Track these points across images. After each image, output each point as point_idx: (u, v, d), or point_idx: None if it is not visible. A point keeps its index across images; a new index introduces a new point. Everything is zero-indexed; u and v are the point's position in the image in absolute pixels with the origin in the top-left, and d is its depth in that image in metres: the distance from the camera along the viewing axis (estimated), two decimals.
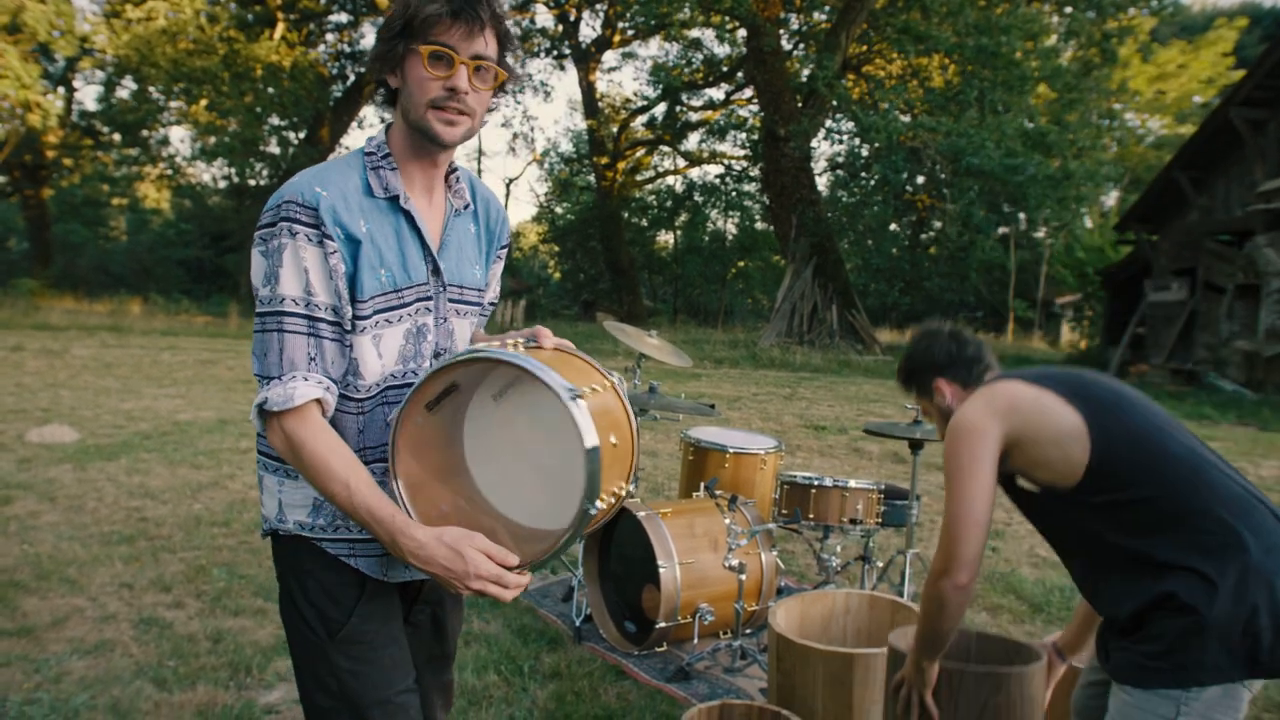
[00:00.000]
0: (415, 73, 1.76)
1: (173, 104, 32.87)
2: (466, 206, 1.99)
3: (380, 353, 1.82)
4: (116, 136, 34.82)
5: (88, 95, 53.09)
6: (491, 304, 2.14)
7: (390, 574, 1.90)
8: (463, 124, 1.81)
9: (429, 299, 1.88)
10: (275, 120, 33.60)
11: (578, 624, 4.27)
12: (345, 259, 1.74)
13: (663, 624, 3.90)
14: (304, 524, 1.87)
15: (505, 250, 2.13)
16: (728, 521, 4.01)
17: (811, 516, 4.35)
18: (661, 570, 3.87)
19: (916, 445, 4.50)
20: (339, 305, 1.75)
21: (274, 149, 34.98)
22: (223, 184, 38.51)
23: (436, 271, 1.88)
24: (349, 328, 1.78)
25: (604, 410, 1.75)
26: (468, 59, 1.76)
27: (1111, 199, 36.29)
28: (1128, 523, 1.97)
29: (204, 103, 30.37)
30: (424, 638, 2.10)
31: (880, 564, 4.90)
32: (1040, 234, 32.30)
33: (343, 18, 35.64)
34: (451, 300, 1.92)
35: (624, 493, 1.84)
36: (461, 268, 1.95)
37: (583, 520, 1.64)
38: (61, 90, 33.09)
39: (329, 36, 36.09)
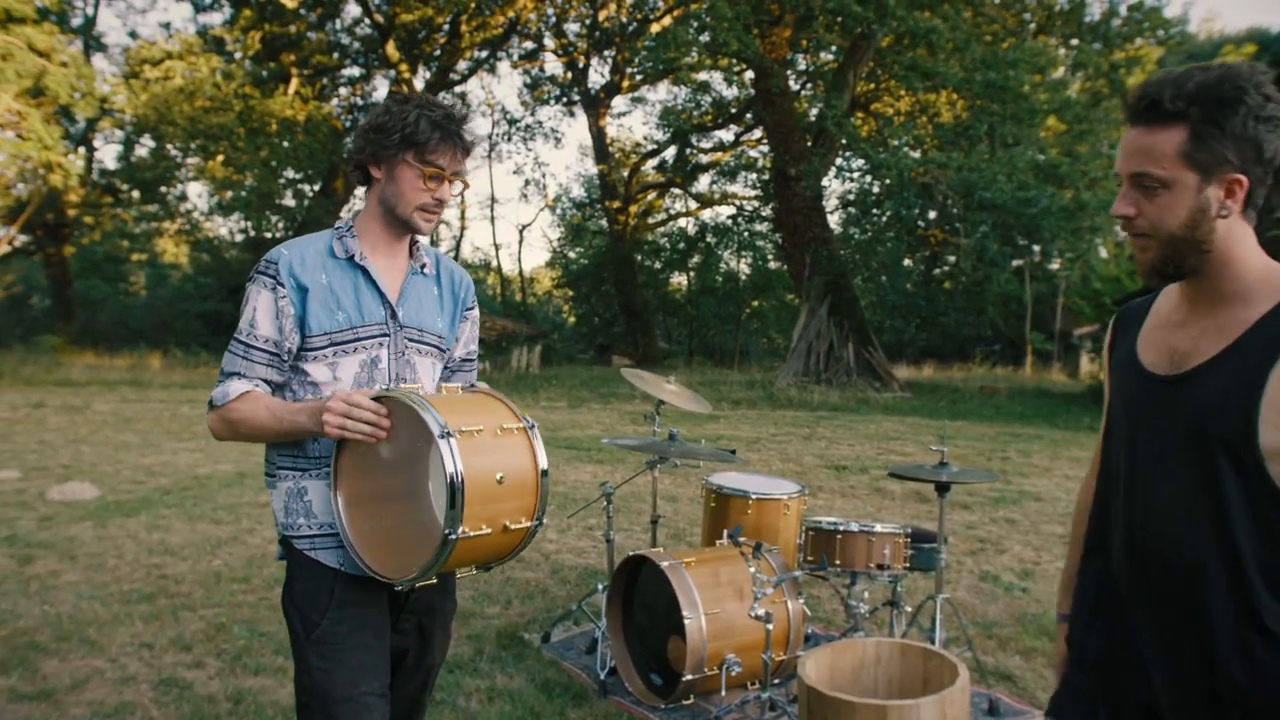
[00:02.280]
0: (409, 181, 2.24)
1: (190, 160, 33.40)
2: (424, 268, 2.42)
3: (337, 376, 2.25)
4: (136, 194, 35.31)
5: (108, 154, 54.07)
6: (466, 359, 2.59)
7: (344, 565, 2.22)
8: (437, 218, 2.33)
9: (385, 335, 2.30)
10: (290, 174, 34.05)
11: (602, 677, 4.20)
12: (294, 302, 2.21)
13: (689, 676, 3.83)
14: (283, 524, 2.29)
15: (471, 311, 2.57)
16: (753, 570, 3.95)
17: (838, 563, 4.27)
18: (687, 621, 3.81)
19: (943, 488, 4.44)
20: (280, 340, 2.22)
21: (289, 202, 35.43)
22: (239, 237, 38.97)
23: (394, 315, 2.32)
24: (285, 356, 2.24)
25: (493, 448, 2.06)
26: (450, 175, 2.26)
27: None
28: None
29: (220, 158, 30.79)
30: (409, 646, 2.43)
31: (910, 609, 4.81)
32: (1055, 266, 32.14)
33: (355, 71, 36.20)
34: (411, 340, 2.35)
35: (523, 527, 2.11)
36: (421, 315, 2.38)
37: (443, 546, 1.95)
38: (82, 150, 33.66)
39: (342, 90, 36.62)
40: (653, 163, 37.48)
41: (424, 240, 2.46)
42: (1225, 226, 1.59)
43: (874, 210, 30.80)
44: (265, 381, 2.26)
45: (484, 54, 35.51)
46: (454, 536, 1.94)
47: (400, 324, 2.32)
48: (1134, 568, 1.76)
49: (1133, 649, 1.75)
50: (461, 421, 2.00)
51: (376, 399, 2.07)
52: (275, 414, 2.17)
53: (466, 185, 2.37)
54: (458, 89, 35.48)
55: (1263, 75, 1.56)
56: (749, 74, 25.32)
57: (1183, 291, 1.71)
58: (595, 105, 36.37)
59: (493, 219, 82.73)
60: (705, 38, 22.01)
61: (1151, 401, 1.71)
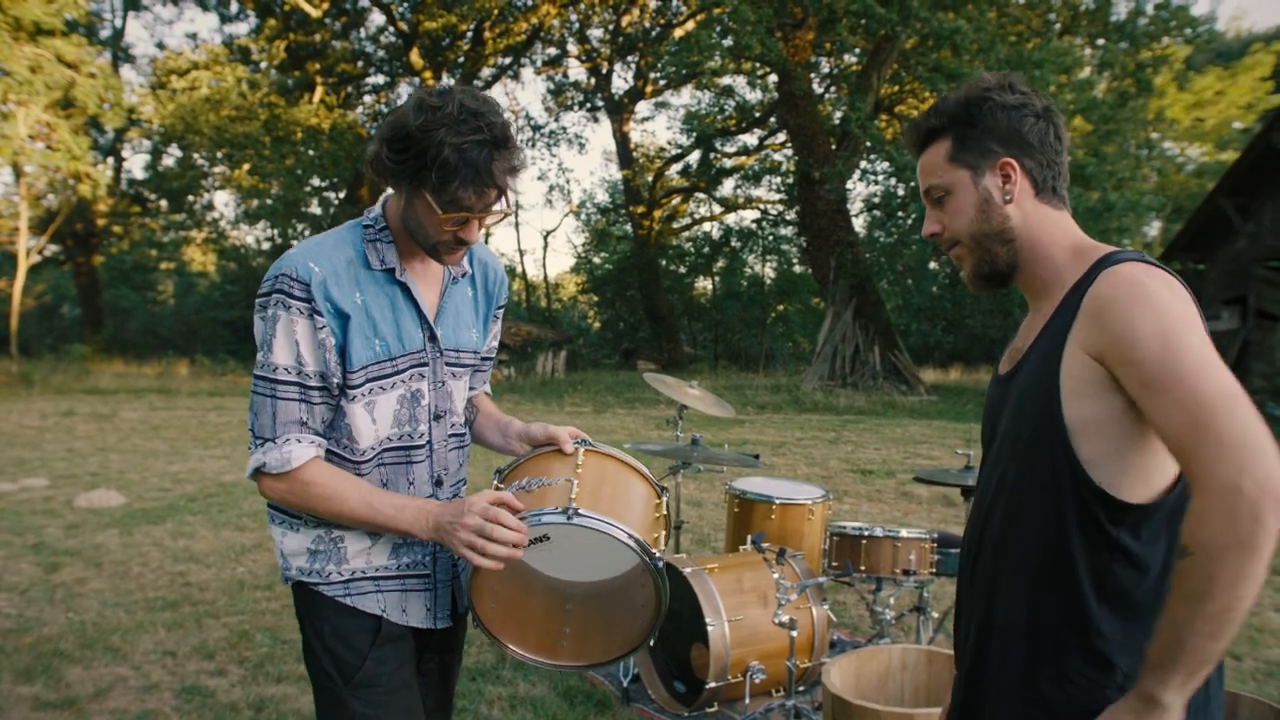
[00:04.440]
0: (429, 216, 1.84)
1: (216, 169, 33.70)
2: (464, 274, 2.09)
3: (374, 419, 1.93)
4: (163, 203, 35.69)
5: (135, 164, 54.63)
6: (486, 357, 2.27)
7: (387, 611, 2.00)
8: (463, 252, 1.96)
9: (424, 365, 1.98)
10: (316, 181, 34.28)
11: (625, 685, 4.16)
12: (334, 332, 1.86)
13: (713, 684, 3.78)
14: (304, 569, 1.98)
15: (503, 308, 2.26)
16: (776, 576, 3.90)
17: (863, 568, 4.22)
18: (710, 628, 3.76)
19: (969, 491, 4.37)
20: (327, 373, 1.87)
21: (315, 209, 35.67)
22: (266, 245, 39.25)
23: (433, 338, 1.99)
24: (336, 393, 1.90)
25: (652, 517, 1.95)
26: (480, 213, 1.85)
27: (1154, 229, 35.78)
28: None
29: (246, 167, 31.04)
30: (432, 686, 2.19)
31: (936, 615, 4.74)
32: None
33: (379, 79, 36.40)
34: (449, 364, 2.04)
35: (663, 510, 2.01)
36: (459, 333, 2.06)
37: (657, 570, 1.84)
38: (110, 160, 34.05)
39: (366, 98, 36.84)
40: (677, 167, 37.42)
41: None
42: (1019, 212, 1.63)
43: (899, 213, 30.68)
44: (322, 438, 1.93)
45: (507, 61, 35.64)
46: (661, 562, 1.85)
47: (440, 348, 2.01)
48: (963, 579, 1.76)
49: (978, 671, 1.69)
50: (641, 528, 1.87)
51: (565, 524, 1.81)
52: (370, 503, 1.87)
53: (506, 214, 1.90)
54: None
55: (1013, 78, 1.68)
56: (772, 77, 25.24)
57: (1023, 291, 1.72)
58: (619, 110, 36.39)
59: (517, 225, 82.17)
60: (728, 41, 21.95)
61: (998, 403, 1.71)
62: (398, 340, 1.93)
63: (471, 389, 2.23)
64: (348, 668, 1.94)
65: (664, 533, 1.96)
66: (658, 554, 1.83)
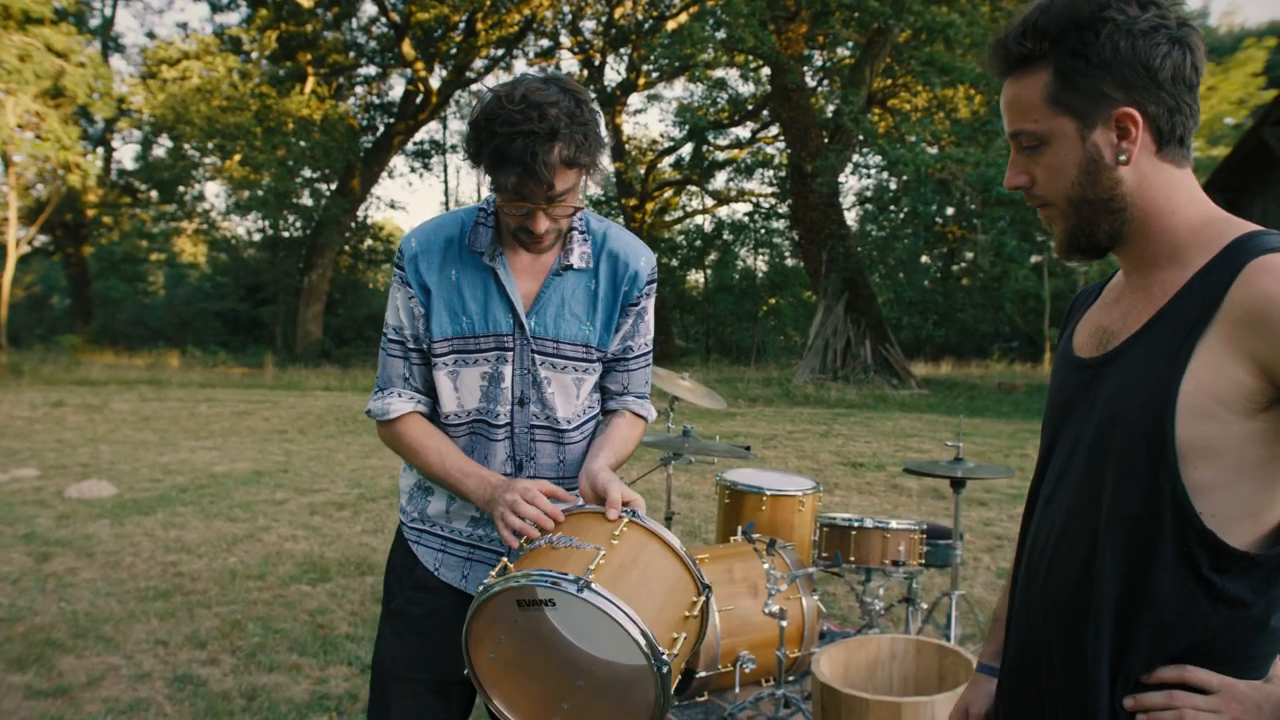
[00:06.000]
0: (501, 205, 1.94)
1: (207, 160, 33.49)
2: (570, 266, 2.05)
3: (457, 388, 2.06)
4: (154, 194, 35.49)
5: (125, 154, 54.54)
6: (621, 357, 2.18)
7: (441, 571, 2.13)
8: (547, 240, 1.97)
9: (508, 349, 2.04)
10: (307, 173, 34.11)
11: None
12: (420, 303, 2.03)
13: (703, 673, 3.80)
14: (403, 507, 2.21)
15: (637, 305, 2.14)
16: (766, 566, 3.92)
17: (853, 559, 4.24)
18: None
19: (958, 483, 4.40)
20: (419, 336, 2.05)
21: (306, 201, 35.47)
22: (257, 236, 39.08)
23: (522, 326, 2.03)
24: (429, 359, 2.06)
25: (670, 609, 1.74)
26: (543, 204, 1.86)
27: None
28: None
29: (238, 158, 30.91)
30: None
31: (925, 606, 4.77)
32: (1074, 264, 31.94)
33: (371, 70, 36.24)
34: (543, 354, 2.05)
35: (697, 611, 1.79)
36: (560, 324, 2.06)
37: (660, 674, 1.60)
38: (100, 150, 33.89)
39: (358, 89, 36.65)
40: (669, 160, 37.41)
41: (591, 217, 2.13)
42: (1134, 175, 1.28)
43: (891, 206, 30.71)
44: (424, 395, 2.10)
45: (500, 52, 35.52)
46: (668, 667, 1.60)
47: (529, 336, 2.03)
48: (1021, 603, 1.48)
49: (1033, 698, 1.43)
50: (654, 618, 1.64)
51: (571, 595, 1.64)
52: (445, 465, 2.01)
53: (580, 207, 1.95)
54: (473, 87, 35.54)
55: None
56: (765, 70, 25.22)
57: (1121, 262, 1.41)
58: (611, 103, 36.32)
59: None
60: (721, 34, 21.93)
61: (1076, 391, 1.40)
62: (483, 320, 2.03)
63: (611, 392, 2.22)
64: (391, 596, 2.19)
65: (688, 636, 1.72)
66: (667, 655, 1.60)
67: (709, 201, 39.30)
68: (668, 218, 40.17)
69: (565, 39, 35.42)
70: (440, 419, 2.10)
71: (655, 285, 2.18)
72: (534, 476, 2.08)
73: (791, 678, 4.04)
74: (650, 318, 2.20)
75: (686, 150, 35.36)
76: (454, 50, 34.52)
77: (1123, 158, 1.27)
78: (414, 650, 2.10)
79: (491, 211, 2.04)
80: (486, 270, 2.02)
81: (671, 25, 28.36)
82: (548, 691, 1.83)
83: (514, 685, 1.80)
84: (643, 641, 1.57)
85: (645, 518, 1.84)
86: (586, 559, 1.65)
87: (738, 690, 3.93)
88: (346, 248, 36.63)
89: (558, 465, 2.13)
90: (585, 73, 35.81)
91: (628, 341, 2.17)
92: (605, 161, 1.94)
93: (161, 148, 34.20)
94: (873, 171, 33.65)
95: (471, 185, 42.62)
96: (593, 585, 1.58)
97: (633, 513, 1.83)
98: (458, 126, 37.23)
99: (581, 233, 2.07)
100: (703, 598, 1.81)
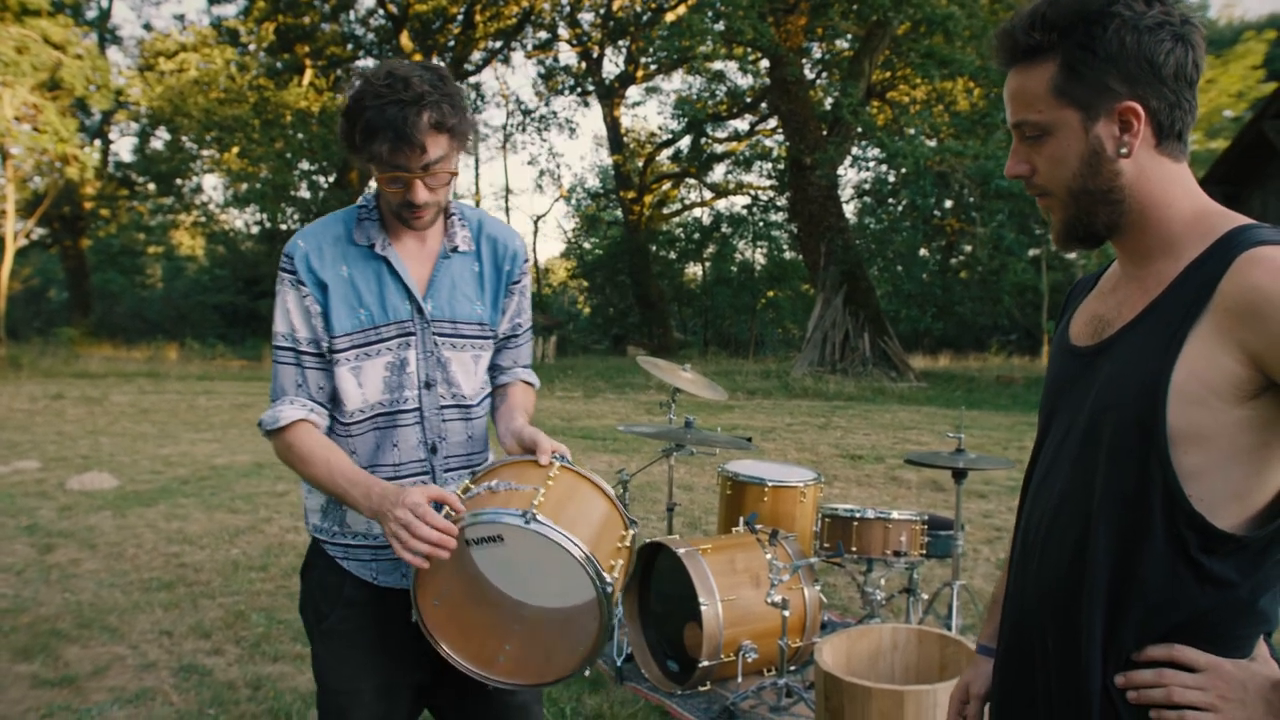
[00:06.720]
0: (379, 183, 1.97)
1: (205, 153, 33.50)
2: (455, 249, 2.14)
3: (360, 383, 2.05)
4: (151, 186, 35.50)
5: (123, 147, 54.28)
6: (512, 335, 2.31)
7: (380, 578, 2.11)
8: (428, 213, 2.00)
9: (410, 335, 2.08)
10: (305, 165, 34.12)
11: (619, 664, 4.21)
12: (317, 300, 2.02)
13: (706, 662, 3.83)
14: (317, 526, 2.15)
15: (519, 284, 2.26)
16: (769, 556, 3.95)
17: (854, 550, 4.27)
18: (703, 608, 3.81)
19: (960, 474, 4.42)
20: (316, 338, 2.03)
21: (304, 193, 35.51)
22: (255, 229, 39.07)
23: (420, 310, 2.08)
24: (329, 358, 2.04)
25: (602, 526, 1.90)
26: (419, 171, 1.91)
27: None
28: None
29: (235, 150, 30.89)
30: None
31: (926, 596, 4.80)
32: (1072, 255, 31.99)
33: (369, 62, 36.17)
34: (443, 334, 2.11)
35: (628, 542, 1.96)
36: (455, 305, 2.13)
37: (604, 594, 1.76)
38: (98, 143, 33.86)
39: (356, 82, 36.64)
40: (668, 153, 37.38)
41: (465, 206, 2.21)
42: (1134, 168, 1.31)
43: (890, 199, 30.70)
44: (317, 404, 2.06)
45: (498, 44, 35.53)
46: (610, 588, 1.77)
47: (428, 319, 2.09)
48: (1015, 584, 1.51)
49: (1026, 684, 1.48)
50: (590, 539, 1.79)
51: (512, 526, 1.77)
52: (333, 474, 1.96)
53: (453, 174, 2.00)
54: (472, 79, 35.51)
55: None
56: (764, 63, 25.22)
57: (1117, 252, 1.45)
58: (610, 95, 36.32)
59: (507, 210, 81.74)
60: (720, 26, 21.93)
61: (1071, 379, 1.43)
62: (381, 310, 2.05)
63: (501, 367, 2.31)
64: (321, 616, 2.13)
65: (623, 564, 1.90)
66: (609, 578, 1.76)
67: (707, 194, 39.35)
68: (666, 210, 40.19)
69: (563, 31, 35.45)
70: (344, 419, 2.07)
71: (529, 264, 2.32)
72: (447, 457, 2.16)
73: (794, 667, 4.07)
74: (529, 296, 2.32)
75: (685, 143, 35.35)
76: (452, 42, 34.49)
77: (1124, 150, 1.31)
78: (357, 663, 2.11)
79: (373, 206, 2.10)
80: (378, 260, 2.06)
81: (670, 17, 28.35)
82: (488, 637, 1.96)
83: (458, 631, 1.93)
84: (588, 565, 1.73)
85: (574, 463, 2.00)
86: (527, 498, 1.80)
87: (740, 679, 3.96)
88: None
89: (467, 442, 2.20)
90: (583, 65, 35.82)
91: (516, 320, 2.29)
92: (473, 136, 2.02)
93: (159, 140, 34.25)
94: (871, 164, 33.70)
95: (469, 179, 42.46)
96: (538, 517, 1.73)
97: (562, 458, 1.98)
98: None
99: (460, 219, 2.16)
100: (631, 531, 1.98)
